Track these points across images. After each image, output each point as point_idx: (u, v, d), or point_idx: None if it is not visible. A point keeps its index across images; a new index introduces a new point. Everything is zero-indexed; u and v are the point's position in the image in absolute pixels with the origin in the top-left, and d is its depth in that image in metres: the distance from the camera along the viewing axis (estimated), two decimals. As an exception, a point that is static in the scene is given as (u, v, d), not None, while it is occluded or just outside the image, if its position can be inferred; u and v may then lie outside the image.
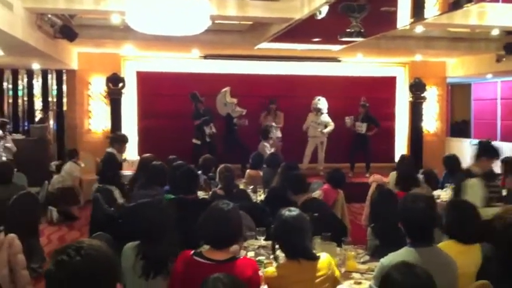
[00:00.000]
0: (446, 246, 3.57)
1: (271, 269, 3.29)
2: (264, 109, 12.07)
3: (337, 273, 3.36)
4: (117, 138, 7.97)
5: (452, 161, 7.70)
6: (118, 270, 2.03)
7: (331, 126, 11.80)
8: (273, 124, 11.74)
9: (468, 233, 3.58)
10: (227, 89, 11.79)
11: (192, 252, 3.15)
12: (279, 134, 11.87)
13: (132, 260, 3.34)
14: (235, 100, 11.78)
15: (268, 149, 10.60)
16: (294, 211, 3.35)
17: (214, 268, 2.97)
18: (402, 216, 3.30)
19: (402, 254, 3.15)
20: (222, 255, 3.10)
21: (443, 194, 7.02)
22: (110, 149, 7.83)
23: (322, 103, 11.81)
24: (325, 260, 3.27)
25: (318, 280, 3.19)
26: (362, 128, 11.72)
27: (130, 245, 3.44)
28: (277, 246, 3.47)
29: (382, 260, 3.19)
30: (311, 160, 11.96)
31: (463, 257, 3.46)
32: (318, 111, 11.78)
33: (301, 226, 3.27)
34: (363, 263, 3.94)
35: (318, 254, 3.30)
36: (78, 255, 1.84)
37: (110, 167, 7.15)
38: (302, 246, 3.24)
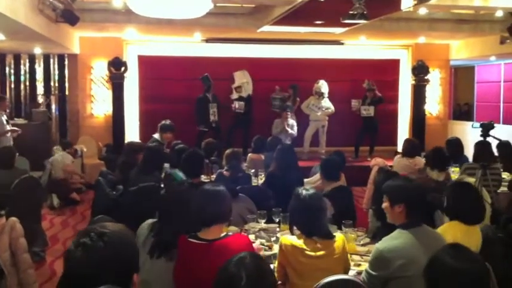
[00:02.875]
0: (449, 227, 3.59)
1: (289, 238, 3.31)
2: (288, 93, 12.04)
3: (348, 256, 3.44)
4: (160, 126, 7.95)
5: (454, 144, 7.68)
6: (137, 259, 2.04)
7: (330, 111, 11.77)
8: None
9: (472, 215, 3.60)
10: (242, 71, 11.88)
11: (188, 235, 3.21)
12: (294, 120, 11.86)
13: (145, 234, 3.41)
14: (240, 83, 11.81)
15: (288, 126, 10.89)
16: (310, 190, 3.41)
17: (205, 247, 3.10)
18: (395, 197, 3.29)
19: (397, 237, 3.17)
20: (214, 235, 3.17)
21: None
22: (156, 135, 7.84)
23: (324, 87, 11.77)
24: (340, 240, 3.32)
25: (331, 260, 3.23)
26: (370, 111, 11.68)
27: (148, 221, 3.51)
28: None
29: (377, 245, 3.20)
30: (312, 144, 11.96)
31: (466, 234, 3.51)
32: (321, 95, 11.73)
33: (317, 205, 3.35)
34: (363, 245, 3.95)
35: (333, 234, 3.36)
36: (100, 240, 1.87)
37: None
38: (318, 224, 3.29)
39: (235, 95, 11.82)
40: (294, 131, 11.15)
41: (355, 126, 11.99)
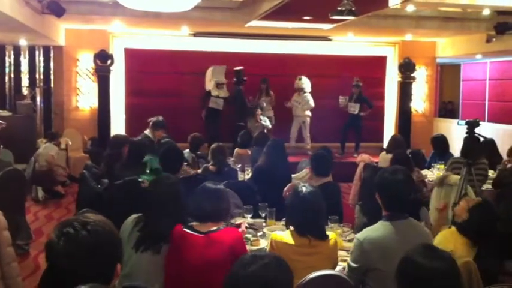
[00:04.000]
0: (452, 237, 3.58)
1: (280, 235, 3.29)
2: (258, 89, 11.99)
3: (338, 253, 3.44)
4: (153, 123, 7.84)
5: (440, 142, 7.75)
6: (120, 249, 2.03)
7: (307, 106, 11.75)
8: (264, 103, 11.71)
9: (484, 237, 3.57)
10: (217, 67, 11.67)
11: (184, 225, 3.28)
12: (271, 113, 11.84)
13: (129, 229, 3.41)
14: (223, 80, 11.65)
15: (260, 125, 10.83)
16: (310, 187, 3.37)
17: (199, 238, 3.18)
18: (381, 188, 3.29)
19: (378, 229, 3.17)
20: (208, 228, 3.23)
21: (430, 174, 7.07)
22: (147, 131, 7.75)
23: (304, 82, 11.78)
24: (333, 240, 3.32)
25: (322, 258, 3.22)
26: (355, 108, 11.69)
27: (132, 216, 3.51)
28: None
29: (357, 235, 3.22)
30: (298, 139, 11.98)
31: (466, 249, 3.46)
32: (301, 90, 11.76)
33: (317, 203, 3.31)
34: (349, 240, 3.95)
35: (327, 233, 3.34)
36: (84, 229, 1.85)
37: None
38: (315, 224, 3.27)
39: (216, 92, 11.61)
40: (268, 123, 11.22)
41: (341, 122, 12.01)
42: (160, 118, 7.85)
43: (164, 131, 7.82)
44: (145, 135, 7.63)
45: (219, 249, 3.10)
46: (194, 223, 3.29)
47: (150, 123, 7.83)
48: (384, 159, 7.18)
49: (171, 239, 3.25)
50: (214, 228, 3.22)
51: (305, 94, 11.77)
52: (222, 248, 3.09)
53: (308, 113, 11.83)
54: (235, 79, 11.37)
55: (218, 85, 11.56)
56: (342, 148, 11.97)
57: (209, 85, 11.57)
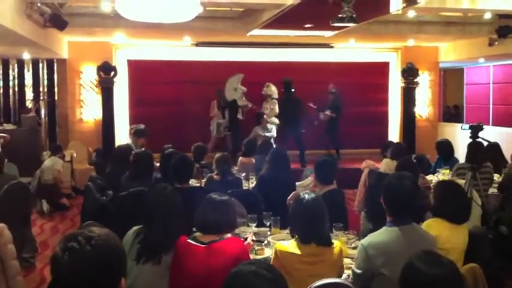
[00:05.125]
0: (434, 222, 3.61)
1: (284, 245, 3.29)
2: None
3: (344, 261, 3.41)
4: (135, 131, 7.79)
5: (444, 146, 7.73)
6: (125, 263, 2.02)
7: (273, 112, 11.70)
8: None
9: (457, 215, 3.61)
10: (241, 75, 11.72)
11: (188, 236, 3.28)
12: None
13: (130, 242, 3.40)
14: (244, 89, 11.72)
15: (261, 134, 10.78)
16: (312, 195, 3.37)
17: (200, 248, 3.17)
18: (387, 192, 3.29)
19: (382, 234, 3.17)
20: (211, 238, 3.21)
21: (435, 179, 7.04)
22: (128, 140, 7.72)
23: (272, 89, 11.77)
24: (338, 248, 3.30)
25: (327, 266, 3.21)
26: (324, 116, 11.74)
27: (133, 228, 3.50)
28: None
29: (361, 241, 3.22)
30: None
31: (452, 232, 3.53)
32: (269, 97, 11.76)
33: (319, 210, 3.29)
34: (354, 248, 3.93)
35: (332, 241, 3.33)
36: (88, 244, 1.85)
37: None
38: (318, 231, 3.26)
39: (242, 102, 11.68)
40: (272, 133, 11.20)
41: (340, 129, 12.00)
42: (142, 126, 7.77)
43: (146, 139, 7.75)
44: (129, 144, 7.59)
45: (221, 259, 3.07)
46: (198, 234, 3.29)
47: (132, 131, 7.76)
48: (386, 166, 7.17)
49: (175, 250, 3.24)
50: (217, 238, 3.20)
51: (272, 101, 11.75)
52: (224, 258, 3.06)
53: (274, 119, 11.74)
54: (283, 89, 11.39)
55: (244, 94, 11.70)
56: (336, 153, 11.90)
57: (234, 94, 11.63)
